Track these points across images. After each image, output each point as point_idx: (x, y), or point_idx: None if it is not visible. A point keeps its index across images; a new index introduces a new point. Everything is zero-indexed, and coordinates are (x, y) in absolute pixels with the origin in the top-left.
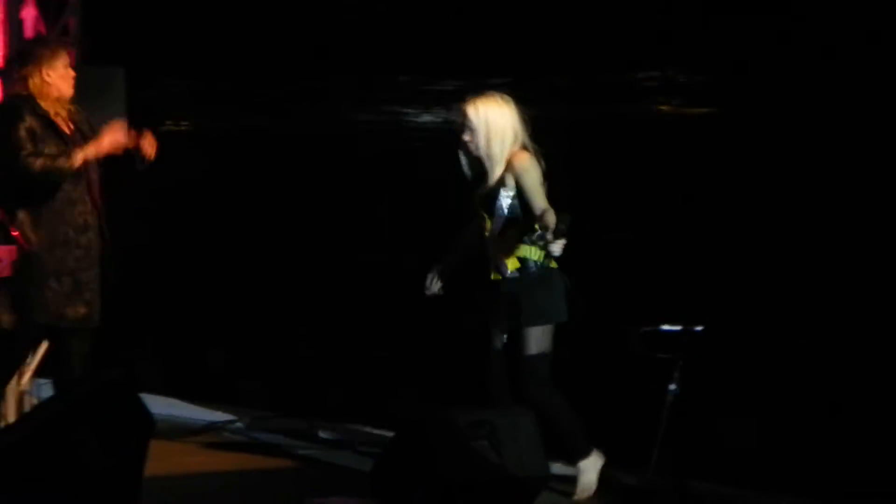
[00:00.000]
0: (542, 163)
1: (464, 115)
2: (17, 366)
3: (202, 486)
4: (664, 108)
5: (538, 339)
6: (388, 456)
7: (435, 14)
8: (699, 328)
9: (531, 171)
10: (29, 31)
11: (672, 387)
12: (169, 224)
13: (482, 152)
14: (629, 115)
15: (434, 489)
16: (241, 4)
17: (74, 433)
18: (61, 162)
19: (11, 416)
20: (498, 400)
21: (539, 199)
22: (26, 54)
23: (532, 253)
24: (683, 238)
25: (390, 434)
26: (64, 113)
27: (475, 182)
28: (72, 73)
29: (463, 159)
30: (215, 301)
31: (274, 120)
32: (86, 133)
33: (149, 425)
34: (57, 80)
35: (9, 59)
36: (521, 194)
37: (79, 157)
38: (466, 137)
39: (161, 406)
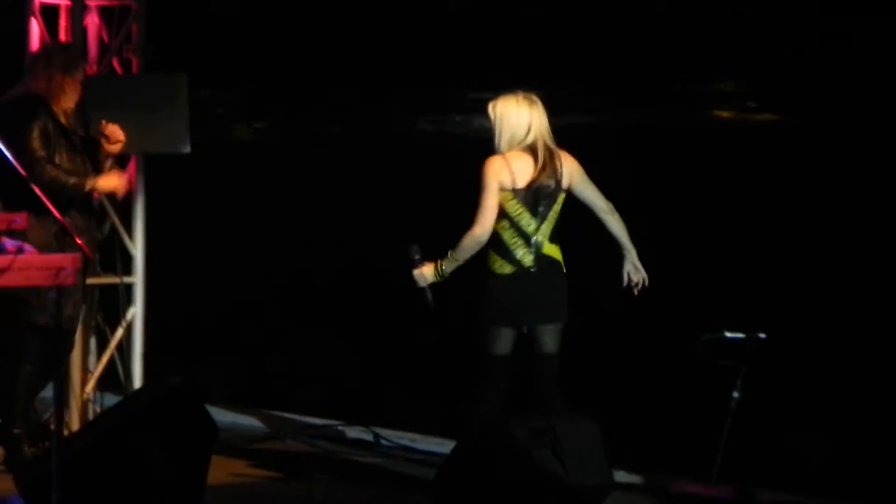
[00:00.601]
0: (546, 158)
1: (488, 110)
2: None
3: (264, 494)
4: (726, 114)
5: (560, 337)
6: (451, 464)
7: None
8: (763, 335)
9: (483, 176)
10: (92, 38)
11: (735, 394)
12: (232, 231)
13: (494, 146)
14: (693, 123)
15: (497, 497)
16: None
17: (138, 441)
18: (73, 182)
19: (75, 425)
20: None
21: (479, 206)
22: (52, 56)
23: (557, 252)
24: (748, 245)
25: (452, 442)
26: (66, 121)
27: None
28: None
29: (497, 158)
30: (278, 309)
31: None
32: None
33: (212, 433)
34: (73, 88)
35: (34, 57)
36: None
37: (90, 184)
38: (489, 128)
39: (224, 414)
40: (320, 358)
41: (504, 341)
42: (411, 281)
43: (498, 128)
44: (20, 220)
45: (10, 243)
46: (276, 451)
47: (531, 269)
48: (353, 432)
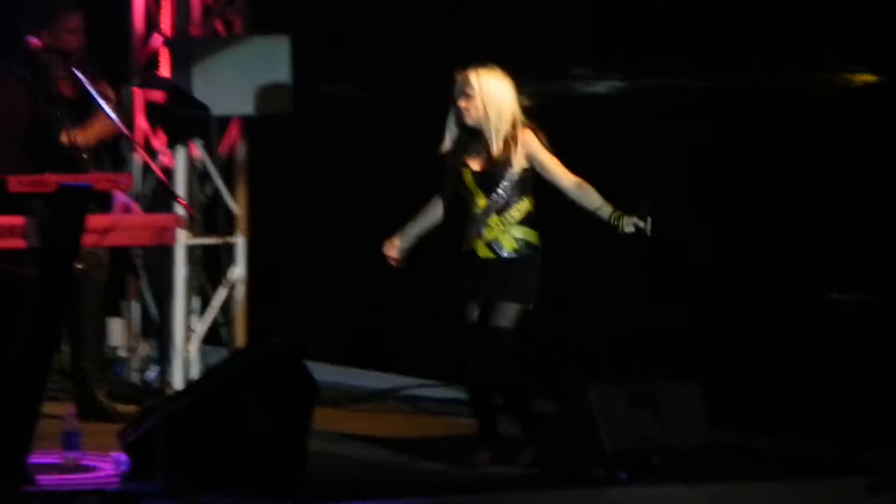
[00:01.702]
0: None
1: (465, 82)
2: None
3: (366, 453)
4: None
5: (514, 316)
6: (552, 426)
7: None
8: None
9: (543, 147)
10: (195, 1)
11: None
12: (336, 190)
13: (482, 123)
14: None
15: (596, 459)
16: None
17: (241, 400)
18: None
19: (178, 384)
20: (478, 373)
21: (567, 173)
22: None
23: (529, 234)
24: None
25: (553, 404)
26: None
27: (456, 153)
28: (80, 37)
29: (451, 128)
30: (382, 268)
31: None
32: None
33: (314, 392)
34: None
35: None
36: (537, 173)
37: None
38: (462, 104)
39: (326, 373)
40: (428, 319)
41: (470, 312)
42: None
43: (482, 100)
44: (124, 180)
45: (122, 198)
46: (378, 411)
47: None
48: (454, 392)
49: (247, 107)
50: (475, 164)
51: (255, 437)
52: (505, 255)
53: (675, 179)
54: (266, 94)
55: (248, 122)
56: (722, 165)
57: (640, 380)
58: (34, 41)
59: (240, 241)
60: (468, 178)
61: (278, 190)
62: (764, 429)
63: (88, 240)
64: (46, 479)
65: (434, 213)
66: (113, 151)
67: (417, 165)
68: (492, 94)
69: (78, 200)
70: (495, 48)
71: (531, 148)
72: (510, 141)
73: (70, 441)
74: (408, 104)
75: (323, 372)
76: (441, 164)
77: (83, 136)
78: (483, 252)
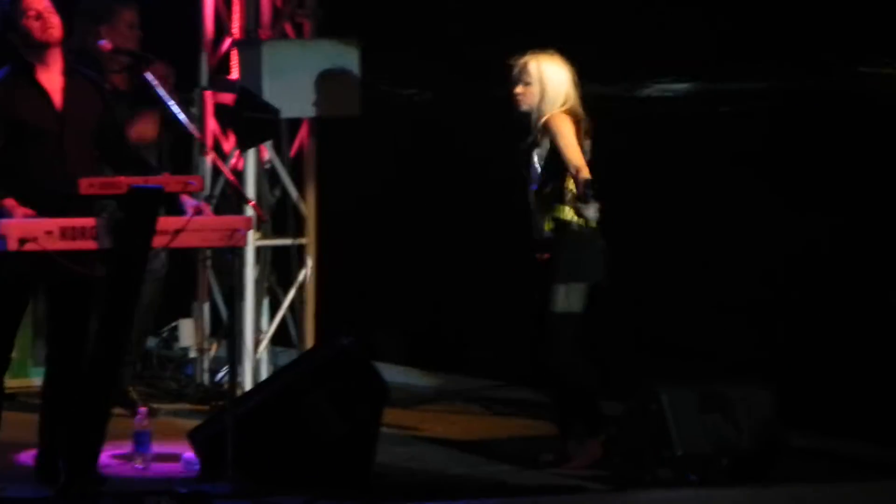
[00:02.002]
0: (586, 124)
1: (522, 68)
2: None
3: (434, 454)
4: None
5: (564, 297)
6: (622, 427)
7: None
8: None
9: (563, 130)
10: (265, 3)
11: None
12: (404, 193)
13: (533, 108)
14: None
15: (668, 461)
16: None
17: (310, 400)
18: None
19: (248, 384)
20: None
21: (573, 158)
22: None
23: (567, 213)
24: None
25: (619, 405)
26: None
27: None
28: (137, 33)
29: (517, 115)
30: (449, 269)
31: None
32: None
33: (383, 393)
34: (115, 40)
35: (78, 12)
36: (556, 155)
37: None
38: (519, 90)
39: (395, 374)
40: (492, 320)
41: (585, 297)
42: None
43: (539, 87)
44: (195, 182)
45: (190, 202)
46: (446, 412)
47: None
48: (522, 394)
49: (316, 109)
50: (522, 146)
51: (324, 438)
52: (545, 234)
53: (744, 179)
54: (335, 96)
55: (317, 124)
56: (789, 166)
57: (711, 382)
58: (105, 44)
59: (309, 243)
60: (520, 161)
61: (347, 191)
62: (836, 431)
63: (159, 241)
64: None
65: None
66: (184, 153)
67: (485, 166)
68: (550, 81)
69: (149, 202)
70: (567, 50)
71: (552, 129)
72: (538, 123)
73: (141, 440)
74: (476, 105)
75: (392, 373)
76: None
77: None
78: (535, 234)
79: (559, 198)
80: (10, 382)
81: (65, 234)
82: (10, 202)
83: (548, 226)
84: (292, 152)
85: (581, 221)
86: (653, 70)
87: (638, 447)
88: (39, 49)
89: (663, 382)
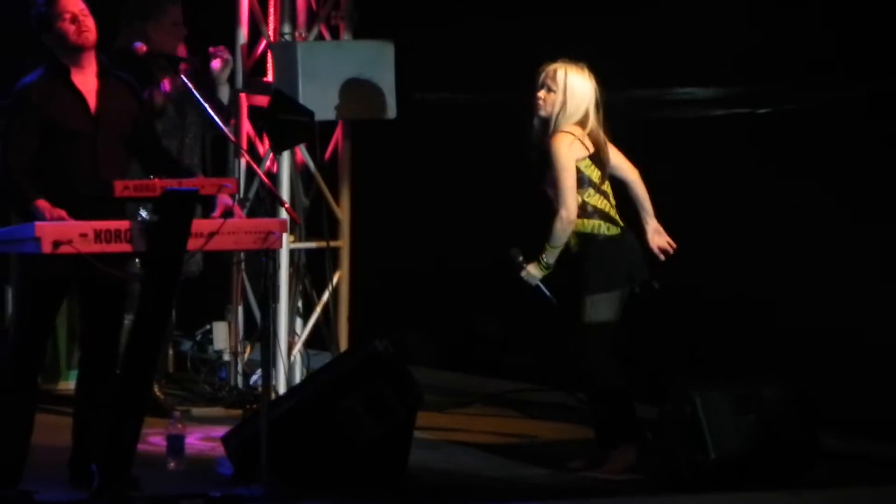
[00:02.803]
0: (594, 147)
1: (549, 75)
2: None
3: (469, 458)
4: None
5: (590, 308)
6: (657, 431)
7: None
8: None
9: (558, 164)
10: (301, 5)
11: None
12: (438, 195)
13: (551, 116)
14: None
15: (702, 463)
16: None
17: (344, 403)
18: None
19: (282, 387)
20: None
21: (563, 188)
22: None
23: (585, 226)
24: None
25: (653, 408)
26: None
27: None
28: (182, 30)
29: (536, 119)
30: (484, 271)
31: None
32: None
33: (417, 396)
34: (163, 37)
35: (125, 11)
36: (579, 174)
37: None
38: (541, 95)
39: (428, 377)
40: (526, 323)
41: (617, 305)
42: (523, 284)
43: (562, 96)
44: (229, 184)
45: (226, 200)
46: (480, 415)
47: (626, 228)
48: (556, 397)
49: (351, 112)
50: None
51: (357, 441)
52: (573, 252)
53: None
54: (370, 98)
55: (351, 127)
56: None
57: (745, 383)
58: (140, 46)
59: (343, 246)
60: (587, 167)
61: (381, 194)
62: (870, 433)
63: (193, 244)
64: None
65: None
66: (218, 155)
67: (522, 169)
68: (573, 93)
69: (184, 204)
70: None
71: (550, 157)
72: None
73: (174, 445)
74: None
75: (425, 375)
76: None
77: None
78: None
79: (581, 212)
80: (45, 385)
81: (99, 236)
82: (43, 203)
83: (574, 242)
84: (327, 155)
85: (606, 231)
86: (685, 75)
87: (672, 451)
88: (74, 52)
89: (697, 385)
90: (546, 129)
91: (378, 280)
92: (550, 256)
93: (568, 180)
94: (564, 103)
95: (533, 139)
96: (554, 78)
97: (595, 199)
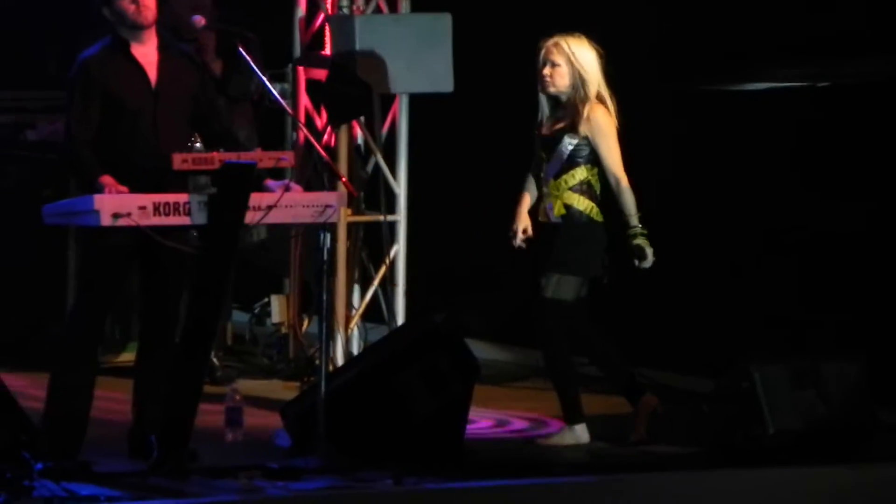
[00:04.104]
0: (616, 119)
1: (549, 49)
2: None
3: (520, 430)
4: None
5: (557, 286)
6: (713, 405)
7: None
8: None
9: (608, 131)
10: None
11: None
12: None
13: (561, 91)
14: None
15: (759, 437)
16: None
17: (401, 376)
18: None
19: (339, 360)
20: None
21: (616, 168)
22: None
23: (580, 202)
24: None
25: (708, 382)
26: None
27: (542, 121)
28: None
29: (542, 97)
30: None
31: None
32: None
33: (474, 370)
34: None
35: None
36: (590, 146)
37: None
38: (546, 72)
39: (485, 350)
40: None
41: (579, 289)
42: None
43: (569, 69)
44: (287, 157)
45: (274, 184)
46: (538, 388)
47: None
48: None
49: (409, 85)
50: (544, 129)
51: (414, 414)
52: (553, 219)
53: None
54: (428, 72)
55: (409, 101)
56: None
57: (803, 358)
58: (199, 20)
59: (400, 219)
60: (537, 143)
61: (439, 167)
62: None
63: (251, 217)
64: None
65: (531, 186)
66: (276, 129)
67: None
68: (581, 63)
69: (242, 178)
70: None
71: (596, 127)
72: (580, 108)
73: (232, 417)
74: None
75: (482, 349)
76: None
77: None
78: (542, 216)
79: (579, 187)
80: (105, 357)
81: (158, 209)
82: (107, 179)
83: (559, 211)
84: (384, 128)
85: (591, 214)
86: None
87: (729, 425)
88: (134, 29)
89: (756, 359)
90: (558, 107)
91: (435, 253)
92: (638, 222)
93: (616, 149)
94: (581, 76)
95: (541, 121)
96: (556, 51)
97: (596, 183)
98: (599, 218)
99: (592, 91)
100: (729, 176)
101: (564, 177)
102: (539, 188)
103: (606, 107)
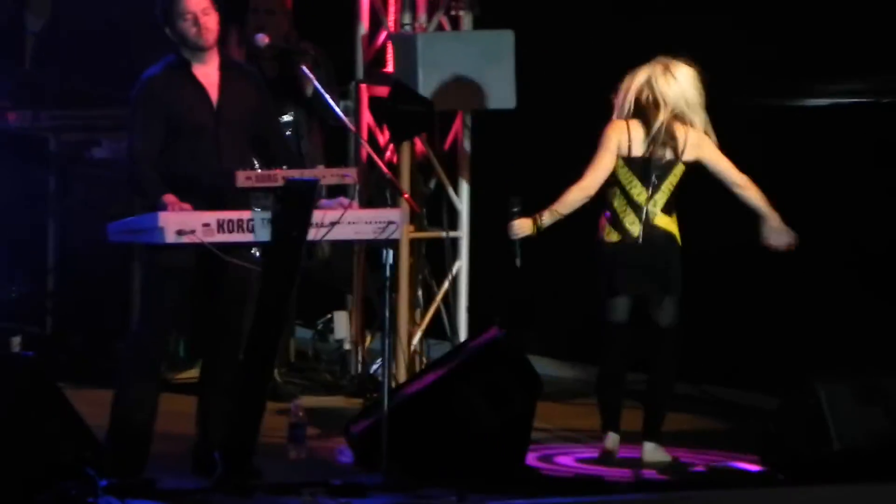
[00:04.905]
0: (713, 136)
1: (652, 73)
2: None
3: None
4: None
5: (677, 309)
6: (779, 422)
7: None
8: None
9: (711, 144)
10: None
11: None
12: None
13: (660, 113)
14: None
15: (825, 455)
16: None
17: (464, 392)
18: None
19: (402, 376)
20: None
21: (735, 170)
22: None
23: (671, 226)
24: None
25: (775, 399)
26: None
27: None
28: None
29: (623, 114)
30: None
31: None
32: None
33: (536, 386)
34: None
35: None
36: (693, 169)
37: None
38: (644, 94)
39: (547, 367)
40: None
41: (619, 309)
42: (505, 232)
43: (623, 92)
44: (350, 174)
45: (327, 203)
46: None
47: (638, 240)
48: (681, 388)
49: (471, 102)
50: (637, 151)
51: (477, 431)
52: (649, 241)
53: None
54: (490, 89)
55: (471, 117)
56: None
57: (869, 375)
58: (262, 38)
59: (463, 235)
60: (625, 165)
61: (501, 184)
62: None
63: (315, 233)
64: None
65: (576, 198)
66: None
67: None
68: (681, 87)
69: (305, 195)
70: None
71: (703, 147)
72: (677, 132)
73: (295, 434)
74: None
75: (544, 365)
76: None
77: None
78: (629, 238)
79: (671, 209)
80: (169, 373)
81: (222, 226)
82: (170, 198)
83: (668, 227)
84: (446, 145)
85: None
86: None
87: (795, 442)
88: (196, 51)
89: (821, 376)
90: (649, 124)
91: (497, 269)
92: (549, 220)
93: (601, 158)
94: (677, 98)
95: (629, 143)
96: (656, 74)
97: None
98: (613, 237)
99: (699, 114)
100: (797, 192)
101: (657, 199)
102: (624, 208)
103: (629, 129)
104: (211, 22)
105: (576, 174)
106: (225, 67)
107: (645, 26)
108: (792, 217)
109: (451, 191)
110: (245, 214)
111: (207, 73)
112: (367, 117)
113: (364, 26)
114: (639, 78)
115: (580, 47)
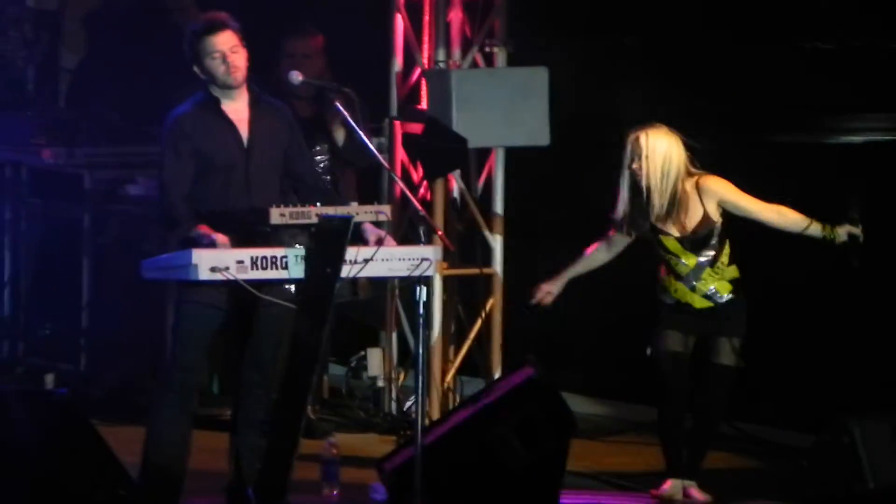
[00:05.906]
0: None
1: (635, 144)
2: None
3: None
4: None
5: (739, 352)
6: (812, 460)
7: None
8: None
9: (727, 185)
10: (455, 33)
11: None
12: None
13: (651, 183)
14: None
15: (859, 493)
16: None
17: (497, 430)
18: None
19: (436, 413)
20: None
21: (763, 205)
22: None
23: (736, 272)
24: None
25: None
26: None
27: (632, 217)
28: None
29: (624, 191)
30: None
31: None
32: None
33: (570, 424)
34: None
35: None
36: (729, 211)
37: None
38: (635, 166)
39: (580, 404)
40: None
41: (675, 340)
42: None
43: (655, 162)
44: (384, 211)
45: (373, 230)
46: (631, 442)
47: (690, 306)
48: None
49: (505, 139)
50: (674, 230)
51: (510, 468)
52: (724, 300)
53: None
54: (524, 125)
55: (505, 154)
56: None
57: None
58: (296, 75)
59: (496, 272)
60: (672, 244)
61: (534, 221)
62: None
63: (348, 270)
64: None
65: (597, 258)
66: (372, 182)
67: None
68: (658, 154)
69: (339, 231)
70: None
71: (721, 192)
72: (693, 195)
73: (329, 471)
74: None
75: (577, 403)
76: (614, 224)
77: None
78: (700, 303)
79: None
80: (203, 410)
81: (255, 263)
82: (204, 228)
83: (727, 289)
84: (480, 182)
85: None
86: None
87: (829, 480)
88: (225, 88)
89: (855, 414)
90: (649, 200)
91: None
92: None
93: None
94: (655, 166)
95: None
96: (639, 144)
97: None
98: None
99: (672, 181)
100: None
101: (721, 260)
102: (676, 278)
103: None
104: (239, 60)
105: (606, 210)
106: (255, 103)
107: (663, 61)
108: (826, 257)
109: (484, 227)
110: (279, 251)
111: (237, 109)
112: (400, 154)
113: (398, 63)
114: (675, 144)
115: (613, 84)
